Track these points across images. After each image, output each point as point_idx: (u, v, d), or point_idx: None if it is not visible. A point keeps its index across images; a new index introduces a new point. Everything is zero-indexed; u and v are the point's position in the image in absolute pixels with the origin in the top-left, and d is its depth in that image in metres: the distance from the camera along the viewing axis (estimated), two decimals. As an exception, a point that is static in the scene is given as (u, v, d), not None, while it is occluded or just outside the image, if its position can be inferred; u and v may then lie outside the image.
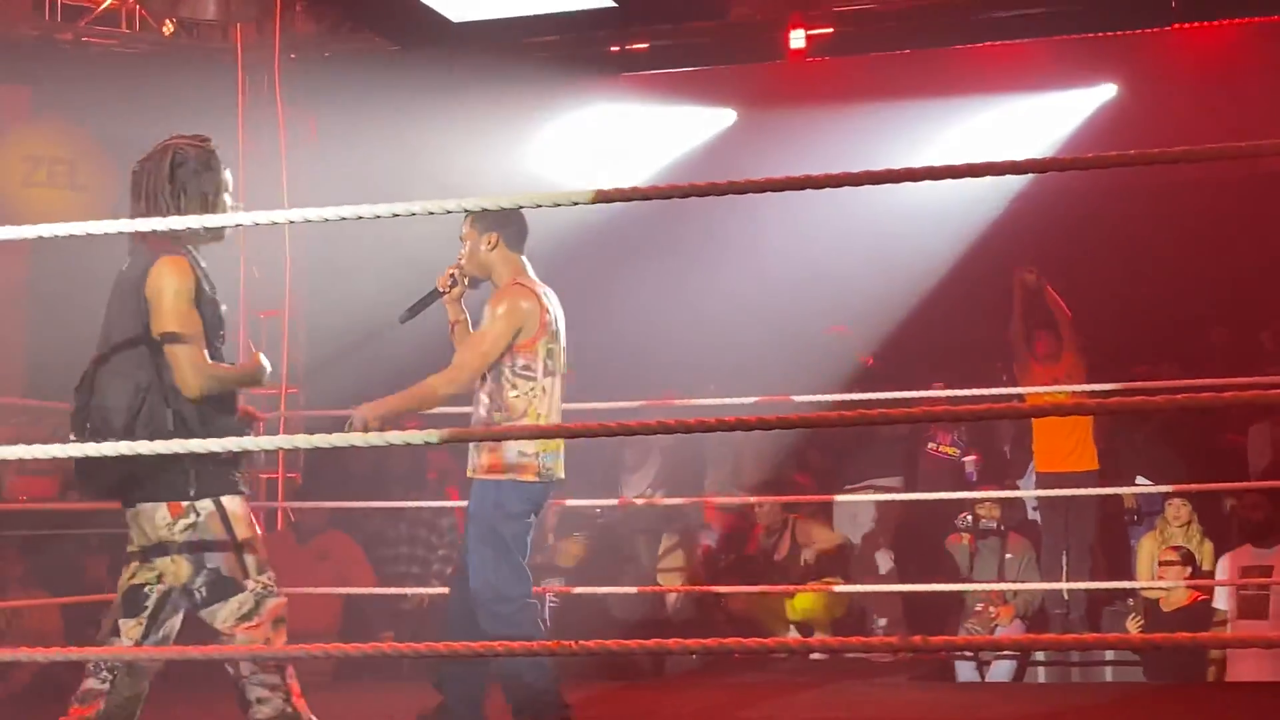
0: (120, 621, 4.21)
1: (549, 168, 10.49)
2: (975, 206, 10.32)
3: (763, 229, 10.64)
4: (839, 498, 8.89)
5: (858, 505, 9.05)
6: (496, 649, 3.12)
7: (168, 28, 10.18)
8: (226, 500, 4.18)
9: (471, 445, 5.13)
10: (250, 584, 4.19)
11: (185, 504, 4.12)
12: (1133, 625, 8.21)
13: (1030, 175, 8.64)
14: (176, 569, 4.15)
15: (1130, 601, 8.64)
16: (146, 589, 4.20)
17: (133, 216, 4.15)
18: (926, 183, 2.96)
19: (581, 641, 2.90)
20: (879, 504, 8.92)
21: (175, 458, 3.96)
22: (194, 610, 4.21)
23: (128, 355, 4.12)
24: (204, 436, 3.95)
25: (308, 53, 10.33)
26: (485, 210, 3.79)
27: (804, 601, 8.28)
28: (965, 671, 8.54)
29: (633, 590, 7.92)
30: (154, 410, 4.08)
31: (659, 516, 9.04)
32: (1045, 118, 10.43)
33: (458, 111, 10.10)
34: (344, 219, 3.20)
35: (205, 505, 4.14)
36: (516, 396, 5.05)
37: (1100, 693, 7.71)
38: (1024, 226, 10.50)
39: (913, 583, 8.28)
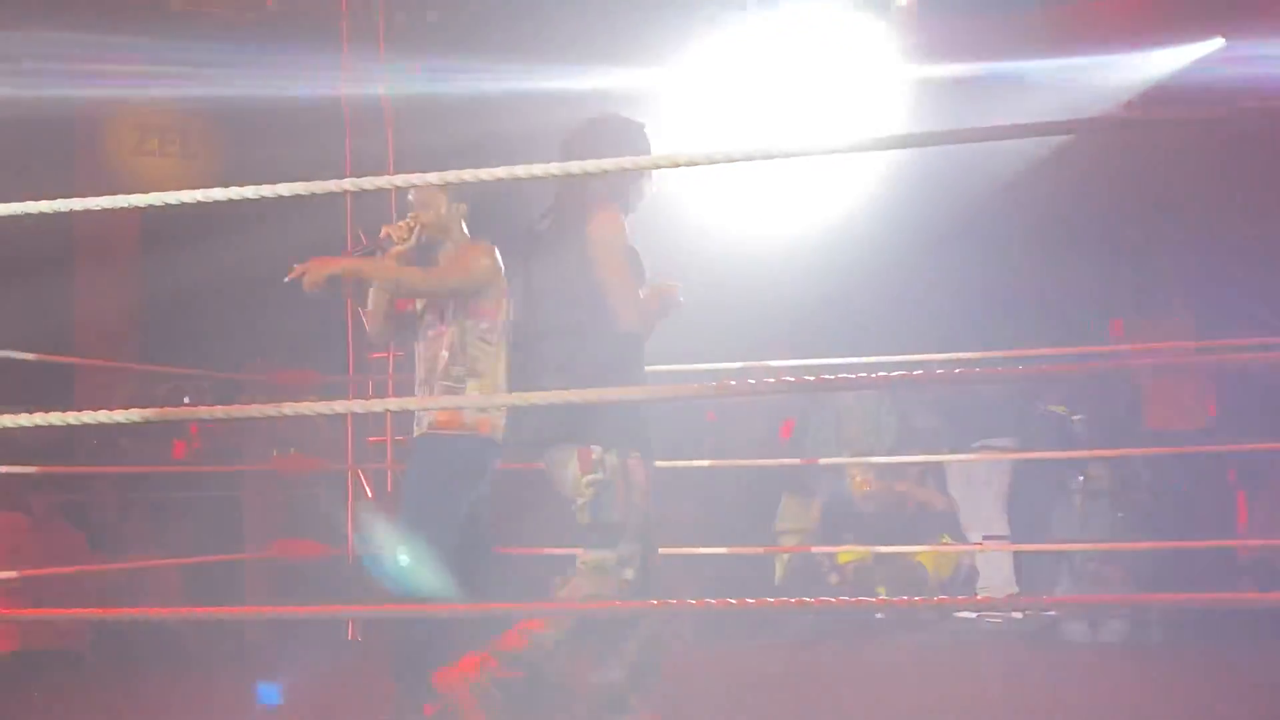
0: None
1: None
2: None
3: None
4: (950, 458, 8.81)
5: (970, 466, 8.98)
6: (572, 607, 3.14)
7: (273, -4, 10.30)
8: (632, 456, 4.41)
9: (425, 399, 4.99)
10: (623, 546, 4.41)
11: (597, 454, 4.39)
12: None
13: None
14: (580, 515, 4.47)
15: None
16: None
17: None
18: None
19: (682, 600, 2.91)
20: (991, 465, 8.82)
21: (605, 406, 4.26)
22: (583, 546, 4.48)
23: (571, 301, 4.43)
24: (634, 384, 4.30)
25: (412, 13, 10.39)
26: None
27: (924, 559, 8.26)
28: (1077, 633, 8.45)
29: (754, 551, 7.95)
30: (594, 354, 4.38)
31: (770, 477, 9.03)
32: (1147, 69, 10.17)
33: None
34: (481, 180, 3.22)
35: (613, 457, 4.39)
36: (478, 356, 4.94)
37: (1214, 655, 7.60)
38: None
39: (1023, 543, 8.21)
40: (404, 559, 4.75)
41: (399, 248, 5.05)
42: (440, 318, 5.03)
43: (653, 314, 4.50)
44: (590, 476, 4.37)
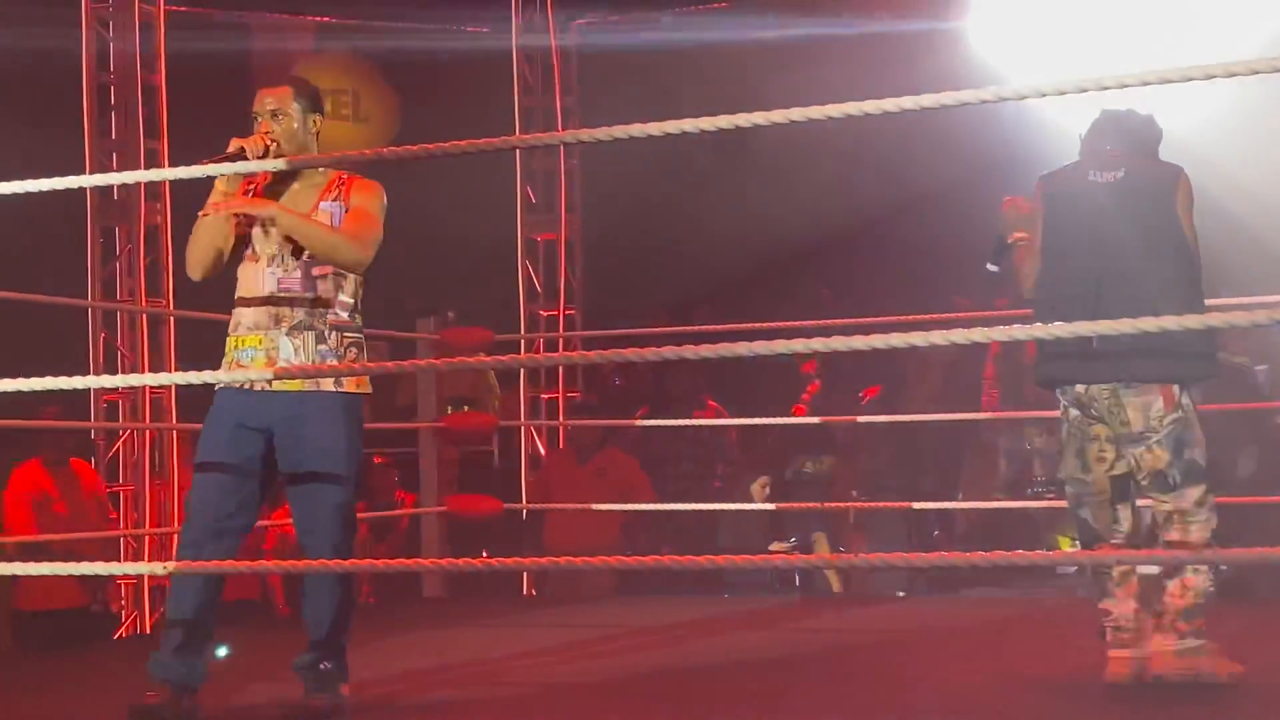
0: (1118, 508, 4.61)
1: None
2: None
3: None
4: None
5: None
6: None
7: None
8: (1193, 391, 4.55)
9: (321, 357, 4.28)
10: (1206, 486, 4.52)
11: (1178, 394, 4.47)
12: None
13: None
14: (1154, 457, 4.48)
15: None
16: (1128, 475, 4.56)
17: None
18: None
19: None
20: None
21: (1186, 350, 4.39)
22: (1155, 492, 4.51)
23: (1164, 251, 4.50)
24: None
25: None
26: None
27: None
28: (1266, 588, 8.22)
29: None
30: (1192, 302, 4.45)
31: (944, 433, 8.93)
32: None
33: (729, 21, 10.06)
34: (628, 137, 3.22)
35: (1188, 397, 4.50)
36: (361, 303, 4.47)
37: None
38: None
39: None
40: None
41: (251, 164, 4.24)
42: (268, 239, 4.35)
43: None
44: (1172, 415, 4.46)
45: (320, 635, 4.33)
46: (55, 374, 3.55)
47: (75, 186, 3.83)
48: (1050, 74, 8.52)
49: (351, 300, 4.36)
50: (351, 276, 4.36)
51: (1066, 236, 4.63)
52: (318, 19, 10.80)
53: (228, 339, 4.38)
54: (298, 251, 4.30)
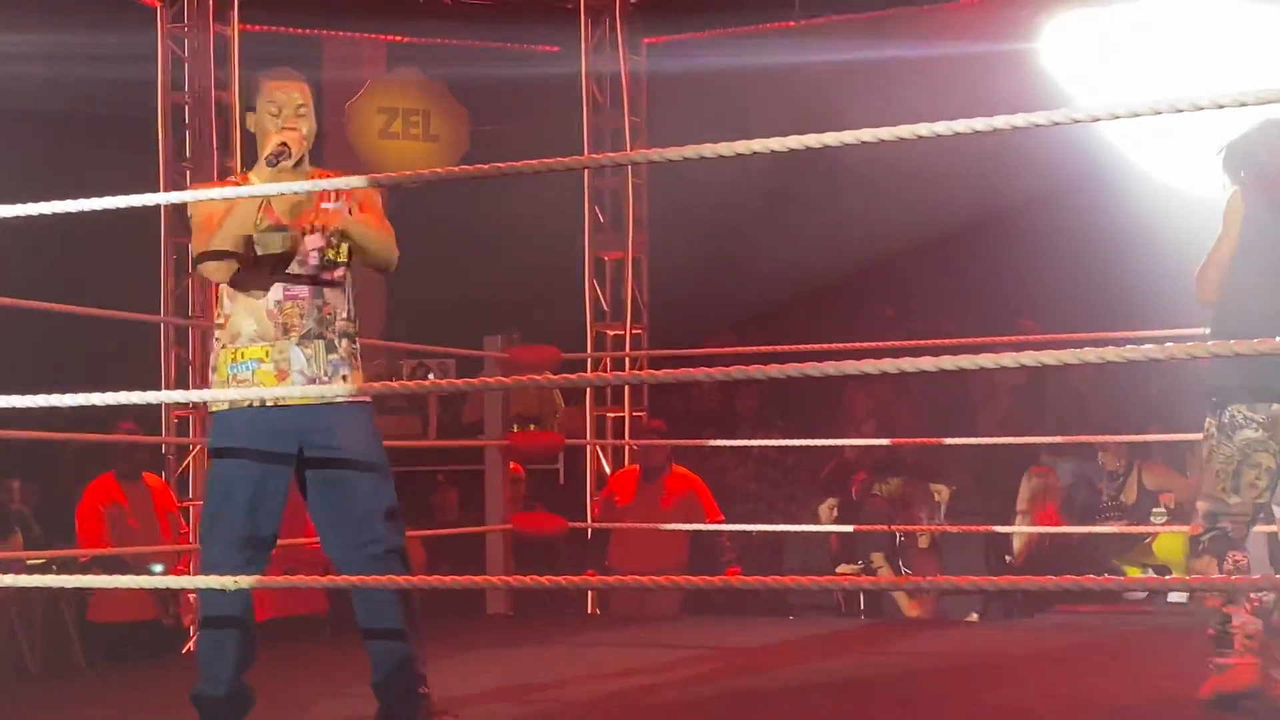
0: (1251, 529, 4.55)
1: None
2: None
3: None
4: (1190, 437, 8.48)
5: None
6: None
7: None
8: None
9: (333, 366, 4.10)
10: None
11: None
12: None
13: None
14: None
15: None
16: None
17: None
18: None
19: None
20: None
21: None
22: None
23: None
24: None
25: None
26: None
27: (1166, 542, 8.00)
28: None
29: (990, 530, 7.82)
30: None
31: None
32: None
33: (798, 42, 10.05)
34: (688, 158, 3.22)
35: None
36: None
37: None
38: None
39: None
40: None
41: (287, 164, 4.07)
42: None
43: None
44: None
45: (394, 660, 4.08)
46: (129, 389, 3.59)
47: (150, 204, 3.86)
48: (1120, 95, 8.48)
49: (352, 306, 4.19)
50: (349, 283, 4.16)
51: (1264, 251, 4.52)
52: (390, 38, 10.89)
53: (219, 351, 4.10)
54: (302, 256, 4.07)
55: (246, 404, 4.05)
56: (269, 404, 4.05)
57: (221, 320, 4.12)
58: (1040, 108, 3.10)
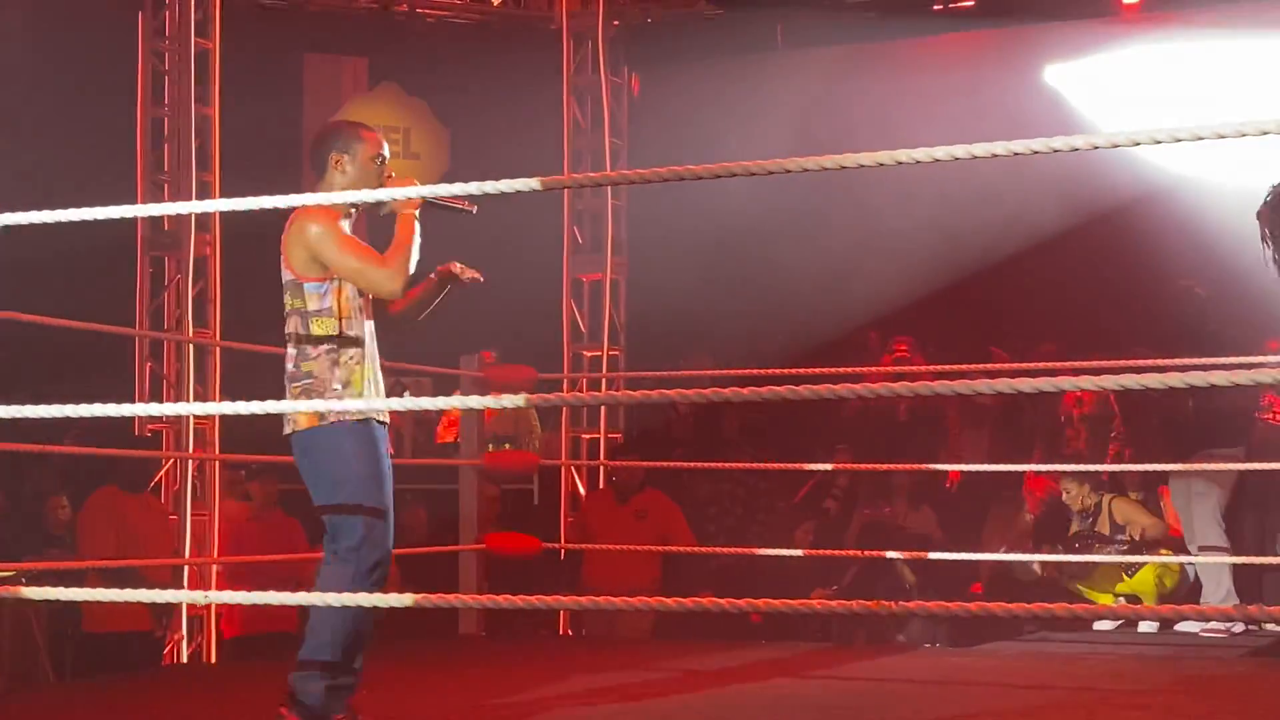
0: None
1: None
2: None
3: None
4: (1170, 467, 8.50)
5: (1192, 477, 8.64)
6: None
7: (496, -2, 10.46)
8: None
9: (379, 392, 4.52)
10: None
11: None
12: None
13: None
14: None
15: None
16: None
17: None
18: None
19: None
20: (1215, 476, 8.47)
21: None
22: None
23: None
24: None
25: (630, 19, 10.47)
26: None
27: (1140, 574, 8.04)
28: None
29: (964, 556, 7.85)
30: None
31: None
32: None
33: (780, 71, 10.10)
34: (678, 179, 3.22)
35: None
36: None
37: None
38: None
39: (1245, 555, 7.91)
40: None
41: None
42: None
43: None
44: None
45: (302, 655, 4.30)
46: (102, 401, 3.57)
47: (126, 216, 3.85)
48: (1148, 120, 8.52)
49: None
50: None
51: None
52: (369, 57, 10.89)
53: (353, 366, 4.39)
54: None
55: (379, 418, 4.40)
56: (382, 418, 4.43)
57: (353, 335, 4.41)
58: (1033, 134, 3.09)
